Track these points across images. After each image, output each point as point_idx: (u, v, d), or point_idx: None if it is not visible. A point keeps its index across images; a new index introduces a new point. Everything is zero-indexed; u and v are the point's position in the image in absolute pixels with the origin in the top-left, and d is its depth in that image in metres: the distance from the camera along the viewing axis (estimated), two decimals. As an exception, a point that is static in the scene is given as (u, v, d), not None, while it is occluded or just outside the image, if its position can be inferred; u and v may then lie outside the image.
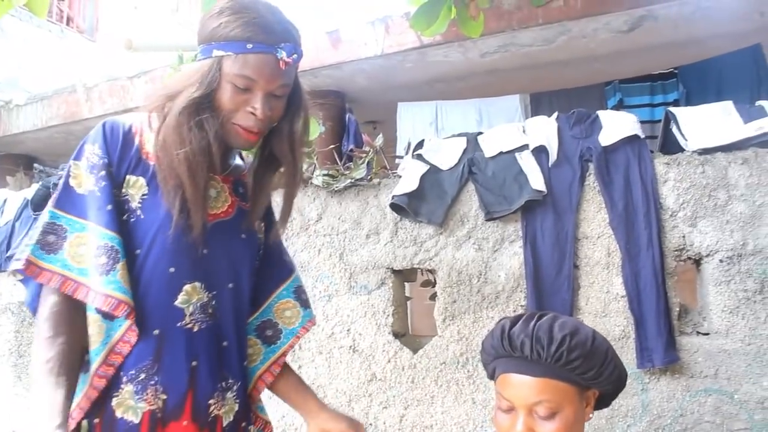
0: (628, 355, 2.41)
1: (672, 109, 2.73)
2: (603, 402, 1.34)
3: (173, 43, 3.27)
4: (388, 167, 3.03)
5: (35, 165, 6.48)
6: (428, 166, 2.73)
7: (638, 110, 4.22)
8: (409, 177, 2.70)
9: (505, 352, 1.27)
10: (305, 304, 1.52)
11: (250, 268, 1.42)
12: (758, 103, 2.59)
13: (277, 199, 1.45)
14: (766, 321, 2.32)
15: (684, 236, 2.43)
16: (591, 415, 1.29)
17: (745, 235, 2.36)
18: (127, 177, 1.30)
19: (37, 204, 3.35)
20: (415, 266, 2.75)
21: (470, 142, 2.79)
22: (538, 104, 4.63)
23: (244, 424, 1.38)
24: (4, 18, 6.25)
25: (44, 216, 1.28)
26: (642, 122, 4.03)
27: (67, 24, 7.23)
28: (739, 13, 3.79)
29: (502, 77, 4.84)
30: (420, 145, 2.87)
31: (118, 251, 1.24)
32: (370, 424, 2.73)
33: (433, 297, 2.82)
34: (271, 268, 1.50)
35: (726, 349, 2.35)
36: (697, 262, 2.48)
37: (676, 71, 4.29)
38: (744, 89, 3.96)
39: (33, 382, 1.21)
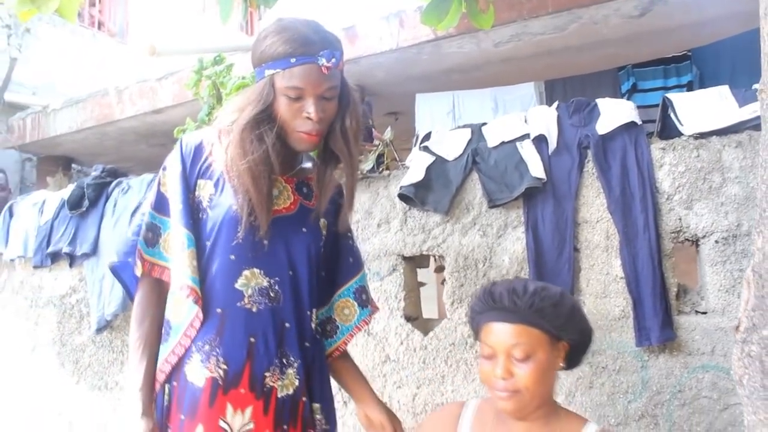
0: (627, 334, 2.51)
1: (669, 95, 2.79)
2: (574, 358, 1.51)
3: (195, 47, 3.44)
4: (398, 159, 3.16)
5: (73, 165, 6.78)
6: (434, 157, 2.85)
7: (652, 94, 4.26)
8: (415, 168, 2.82)
9: (487, 306, 1.47)
10: (363, 303, 1.70)
11: (309, 258, 1.57)
12: (754, 86, 2.63)
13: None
14: (762, 299, 2.39)
15: (680, 219, 2.50)
16: (561, 365, 1.47)
17: (740, 216, 2.43)
18: (198, 181, 1.53)
19: (73, 203, 3.57)
20: (424, 253, 2.88)
21: (475, 132, 2.91)
22: (552, 91, 4.69)
23: (304, 399, 1.53)
24: (39, 25, 6.55)
25: (145, 216, 1.56)
26: (656, 106, 4.08)
27: (99, 28, 7.50)
28: (749, -7, 3.80)
29: (517, 65, 4.90)
30: (427, 137, 2.99)
31: (184, 243, 1.48)
32: (386, 402, 2.88)
33: (444, 282, 2.96)
34: (337, 267, 1.69)
35: (722, 327, 2.42)
36: (696, 243, 2.56)
37: (689, 53, 4.30)
38: (757, 69, 3.95)
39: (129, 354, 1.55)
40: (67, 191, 3.69)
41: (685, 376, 2.45)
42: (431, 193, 2.79)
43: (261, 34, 1.48)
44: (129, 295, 1.63)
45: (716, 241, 2.46)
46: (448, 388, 2.78)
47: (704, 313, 2.50)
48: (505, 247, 2.72)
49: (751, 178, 2.43)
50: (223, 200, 1.49)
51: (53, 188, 5.66)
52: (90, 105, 5.69)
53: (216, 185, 1.51)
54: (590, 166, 2.64)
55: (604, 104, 2.74)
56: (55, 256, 3.66)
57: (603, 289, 2.58)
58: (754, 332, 1.50)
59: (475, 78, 5.09)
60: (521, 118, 2.87)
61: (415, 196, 2.77)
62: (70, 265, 3.62)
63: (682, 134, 2.61)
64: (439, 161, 2.84)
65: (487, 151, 2.78)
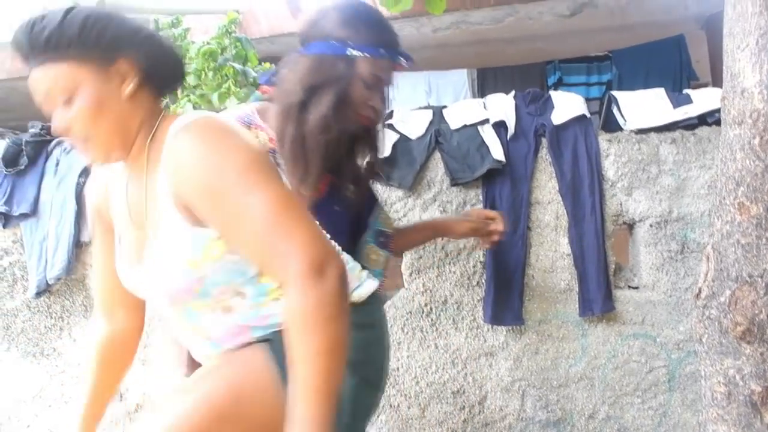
0: (570, 306, 2.80)
1: (614, 92, 3.09)
2: (156, 75, 1.27)
3: (150, 6, 3.36)
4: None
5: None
6: (398, 135, 3.00)
7: (575, 88, 4.62)
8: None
9: None
10: None
11: None
12: (685, 91, 3.00)
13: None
14: (684, 276, 2.75)
15: (621, 204, 2.81)
16: (131, 87, 1.23)
17: (671, 204, 2.77)
18: None
19: (9, 161, 3.38)
20: (384, 226, 3.03)
21: (436, 114, 3.07)
22: (484, 79, 4.96)
23: None
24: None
25: None
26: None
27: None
28: (667, 4, 4.22)
29: (450, 52, 5.14)
30: (390, 115, 3.13)
31: None
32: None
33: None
34: None
35: (652, 300, 2.77)
36: (631, 226, 2.88)
37: (610, 54, 4.71)
38: (668, 74, 4.43)
39: None
40: (0, 148, 3.49)
41: (619, 343, 2.78)
42: (396, 169, 2.93)
43: (336, 12, 1.50)
44: None
45: (650, 225, 2.79)
46: (404, 354, 2.96)
47: (636, 288, 2.83)
48: (463, 223, 2.92)
49: (682, 171, 2.77)
50: None
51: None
52: (1, 56, 5.34)
53: None
54: (544, 152, 2.89)
55: (557, 96, 2.99)
56: (-16, 216, 3.46)
57: (551, 264, 2.85)
58: (713, 299, 1.78)
59: (408, 60, 5.27)
60: (480, 103, 3.07)
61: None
62: (4, 226, 3.44)
63: (623, 128, 2.93)
64: (403, 139, 2.99)
65: (449, 133, 2.96)
